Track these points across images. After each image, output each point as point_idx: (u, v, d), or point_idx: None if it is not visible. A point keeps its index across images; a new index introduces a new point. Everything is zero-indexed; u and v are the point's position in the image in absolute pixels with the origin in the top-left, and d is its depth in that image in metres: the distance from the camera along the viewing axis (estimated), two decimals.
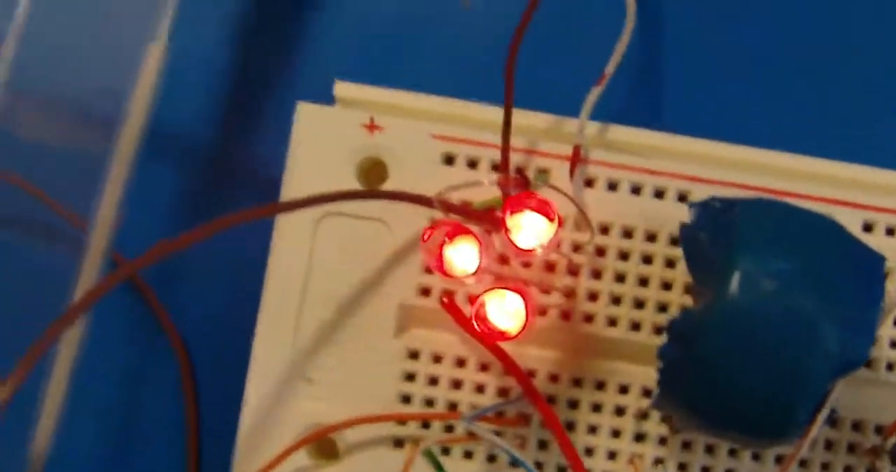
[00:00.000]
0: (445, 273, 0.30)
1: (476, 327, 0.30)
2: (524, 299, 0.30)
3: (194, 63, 0.35)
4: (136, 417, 0.34)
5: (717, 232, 0.28)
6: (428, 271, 0.32)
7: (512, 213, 0.30)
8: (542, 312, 0.32)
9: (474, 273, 0.30)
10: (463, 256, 0.30)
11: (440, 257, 0.30)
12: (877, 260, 0.28)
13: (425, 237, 0.30)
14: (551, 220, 0.30)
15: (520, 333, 0.30)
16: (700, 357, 0.27)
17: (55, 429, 0.31)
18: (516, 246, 0.30)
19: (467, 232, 0.30)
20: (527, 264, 0.32)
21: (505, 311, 0.30)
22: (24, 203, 0.33)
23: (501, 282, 0.31)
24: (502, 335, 0.30)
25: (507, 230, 0.29)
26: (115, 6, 0.31)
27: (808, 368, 0.27)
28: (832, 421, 0.29)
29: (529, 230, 0.30)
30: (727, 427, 0.28)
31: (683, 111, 0.35)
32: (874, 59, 0.35)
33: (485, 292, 0.30)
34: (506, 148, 0.31)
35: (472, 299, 0.31)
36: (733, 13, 0.35)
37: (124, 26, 0.31)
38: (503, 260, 0.31)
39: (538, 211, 0.30)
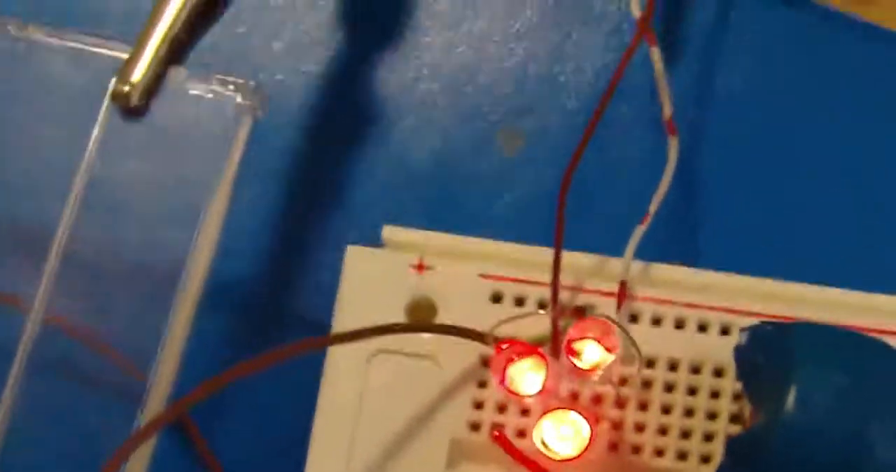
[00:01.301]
0: (508, 390, 0.31)
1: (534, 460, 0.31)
2: (585, 419, 0.30)
3: (247, 212, 0.36)
4: None
5: (772, 352, 0.29)
6: (478, 406, 0.33)
7: (576, 339, 0.31)
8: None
9: (538, 393, 0.31)
10: (527, 377, 0.31)
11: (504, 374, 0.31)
12: None
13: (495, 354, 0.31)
14: (609, 350, 0.31)
15: (582, 453, 0.30)
16: None
17: None
18: (576, 367, 0.31)
19: (535, 353, 0.30)
20: (575, 396, 0.32)
21: (565, 432, 0.31)
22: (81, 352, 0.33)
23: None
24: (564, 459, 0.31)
25: (569, 352, 0.31)
26: (179, 159, 0.32)
27: None
28: None
29: (589, 356, 0.31)
30: None
31: (722, 249, 0.36)
32: None
33: (546, 412, 0.31)
34: (556, 280, 0.32)
35: (521, 432, 0.32)
36: (767, 154, 0.37)
37: (188, 176, 0.32)
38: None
39: (598, 340, 0.31)
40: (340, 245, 0.34)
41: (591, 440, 0.31)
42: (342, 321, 0.33)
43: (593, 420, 0.31)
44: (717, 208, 0.36)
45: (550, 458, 0.31)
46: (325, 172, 0.37)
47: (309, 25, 0.38)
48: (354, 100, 0.37)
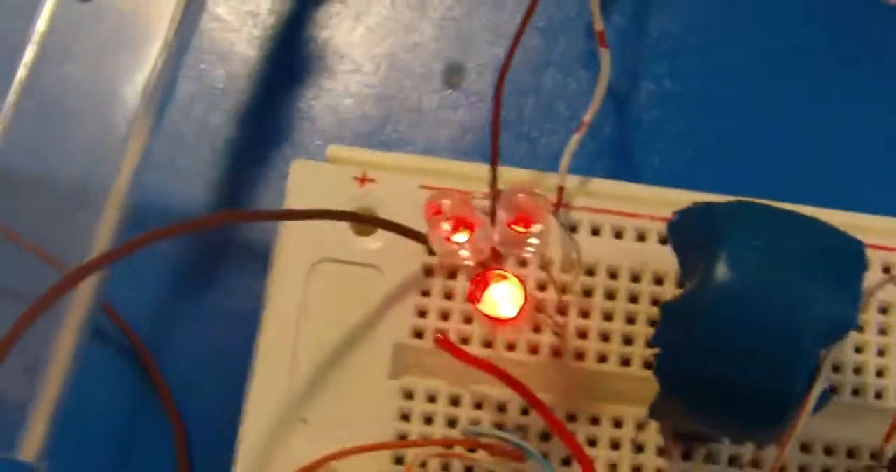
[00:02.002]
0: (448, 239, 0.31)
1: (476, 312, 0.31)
2: (520, 282, 0.31)
3: (192, 127, 0.37)
4: (128, 466, 0.34)
5: (703, 222, 0.29)
6: (421, 314, 0.33)
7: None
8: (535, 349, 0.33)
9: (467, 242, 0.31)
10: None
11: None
12: (857, 242, 0.29)
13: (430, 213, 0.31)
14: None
15: (519, 313, 0.30)
16: (694, 335, 0.28)
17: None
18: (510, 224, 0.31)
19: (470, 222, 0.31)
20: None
21: (501, 294, 0.31)
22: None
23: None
24: (502, 320, 0.31)
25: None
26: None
27: (797, 335, 0.28)
28: (828, 398, 0.29)
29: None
30: (726, 409, 0.28)
31: (660, 167, 0.37)
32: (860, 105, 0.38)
33: (481, 273, 0.31)
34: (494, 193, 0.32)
35: (464, 339, 0.32)
36: (704, 70, 0.38)
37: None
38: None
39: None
40: (285, 164, 0.34)
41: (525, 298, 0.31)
42: (287, 232, 0.33)
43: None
44: (656, 124, 0.37)
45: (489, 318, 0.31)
46: (272, 98, 0.37)
47: None
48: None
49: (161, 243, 0.33)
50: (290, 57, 0.37)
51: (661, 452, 0.32)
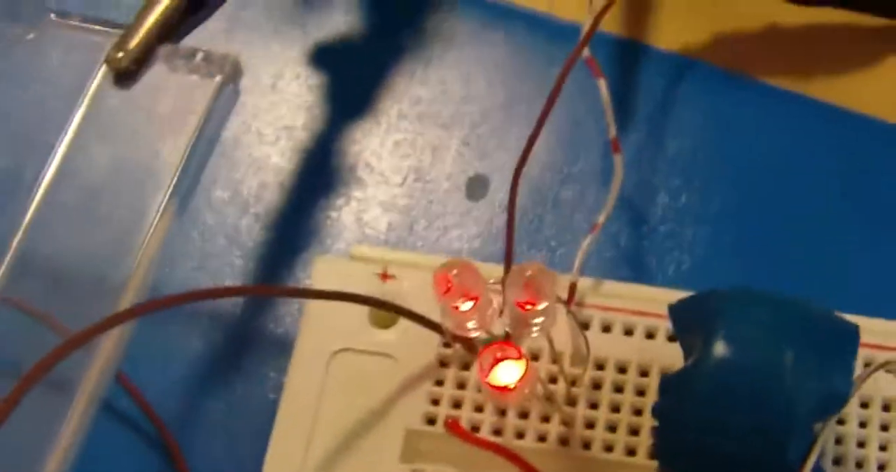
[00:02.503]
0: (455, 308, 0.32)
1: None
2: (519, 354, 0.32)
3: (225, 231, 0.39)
4: None
5: (702, 303, 0.31)
6: (434, 402, 0.34)
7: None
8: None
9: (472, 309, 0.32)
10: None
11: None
12: (851, 326, 0.30)
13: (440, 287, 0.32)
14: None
15: (520, 382, 0.31)
16: (691, 408, 0.29)
17: None
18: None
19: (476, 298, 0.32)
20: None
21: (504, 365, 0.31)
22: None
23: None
24: (504, 389, 0.31)
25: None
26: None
27: (792, 409, 0.29)
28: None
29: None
30: None
31: (672, 270, 0.38)
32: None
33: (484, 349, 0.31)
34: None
35: (476, 427, 0.33)
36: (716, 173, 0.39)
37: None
38: None
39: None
40: (310, 261, 0.36)
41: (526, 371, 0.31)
42: (309, 324, 0.35)
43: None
44: (670, 235, 0.39)
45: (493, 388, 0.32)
46: (302, 205, 0.39)
47: None
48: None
49: (189, 333, 0.35)
50: (321, 168, 0.39)
51: None
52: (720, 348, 0.29)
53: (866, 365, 0.34)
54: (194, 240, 0.38)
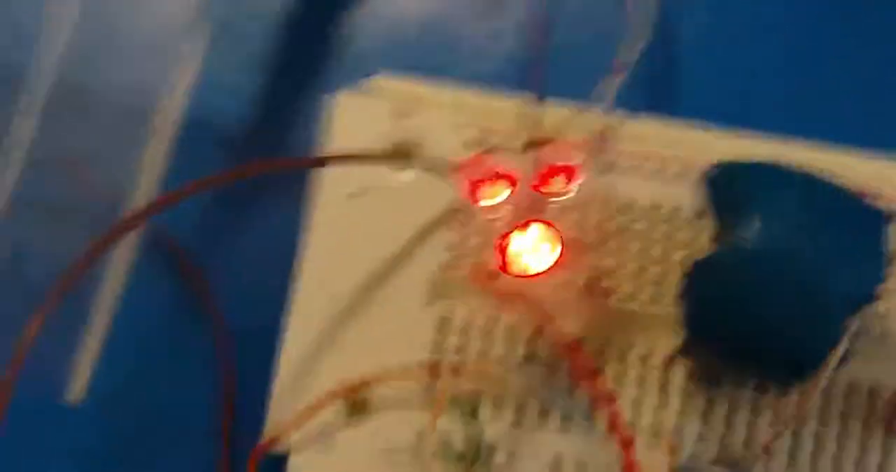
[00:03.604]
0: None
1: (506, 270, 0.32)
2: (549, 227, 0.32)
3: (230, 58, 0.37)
4: (171, 376, 0.35)
5: (740, 182, 0.30)
6: (456, 245, 0.33)
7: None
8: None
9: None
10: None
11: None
12: (881, 215, 0.30)
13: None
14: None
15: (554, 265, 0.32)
16: (724, 293, 0.29)
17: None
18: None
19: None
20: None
21: (531, 243, 0.32)
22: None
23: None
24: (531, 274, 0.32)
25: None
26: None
27: (824, 302, 0.29)
28: (846, 359, 0.30)
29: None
30: (752, 361, 0.30)
31: (698, 102, 0.37)
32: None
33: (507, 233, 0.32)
34: None
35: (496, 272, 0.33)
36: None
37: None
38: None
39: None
40: (328, 91, 0.35)
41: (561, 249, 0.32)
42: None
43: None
44: (696, 60, 0.37)
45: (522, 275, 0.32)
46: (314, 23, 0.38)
47: None
48: None
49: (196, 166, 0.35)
50: None
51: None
52: (754, 237, 0.29)
53: None
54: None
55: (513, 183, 0.32)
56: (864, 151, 0.34)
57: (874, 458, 0.32)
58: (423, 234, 0.34)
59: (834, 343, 0.29)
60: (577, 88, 0.34)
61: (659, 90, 0.36)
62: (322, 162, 0.32)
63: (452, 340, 0.33)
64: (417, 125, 0.34)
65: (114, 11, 0.36)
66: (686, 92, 0.37)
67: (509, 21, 0.37)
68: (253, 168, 0.30)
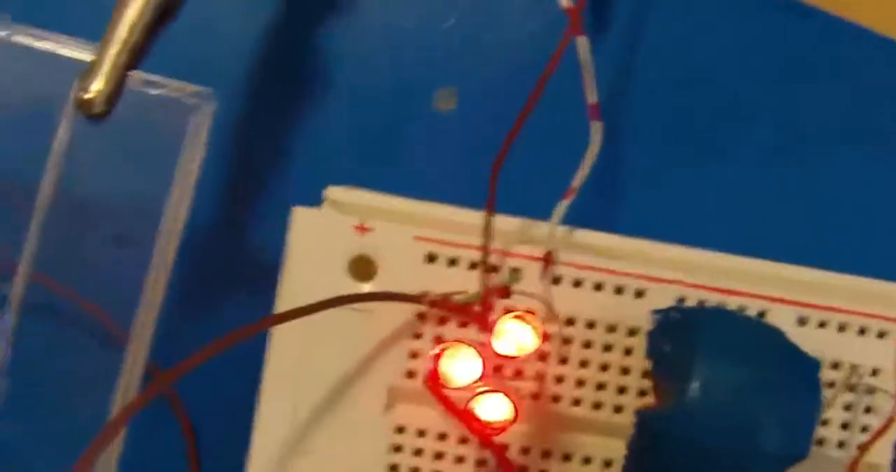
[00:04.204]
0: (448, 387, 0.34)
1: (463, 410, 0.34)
2: (509, 400, 0.34)
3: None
4: None
5: (677, 342, 0.33)
6: (413, 355, 0.36)
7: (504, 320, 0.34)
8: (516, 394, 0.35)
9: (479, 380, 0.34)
10: (461, 368, 0.34)
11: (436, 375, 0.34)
12: (813, 366, 0.33)
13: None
14: (537, 337, 0.34)
15: (508, 426, 0.34)
16: (662, 451, 0.32)
17: None
18: (496, 352, 0.34)
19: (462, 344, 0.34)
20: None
21: (494, 410, 0.34)
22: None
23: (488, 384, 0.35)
24: (493, 430, 0.34)
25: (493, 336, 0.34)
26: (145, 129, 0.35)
27: (754, 464, 0.32)
28: None
29: (514, 339, 0.34)
30: None
31: (642, 215, 0.39)
32: (825, 166, 0.40)
33: (472, 397, 0.34)
34: (486, 251, 0.35)
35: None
36: (687, 131, 0.39)
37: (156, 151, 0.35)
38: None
39: (530, 324, 0.34)
40: (288, 201, 0.36)
41: (514, 417, 0.34)
42: (289, 277, 0.36)
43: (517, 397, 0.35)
44: (639, 181, 0.39)
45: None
46: (269, 139, 0.39)
47: None
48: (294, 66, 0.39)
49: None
50: None
51: None
52: (694, 404, 0.31)
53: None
54: None
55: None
56: (799, 265, 0.36)
57: None
58: (381, 347, 0.36)
59: None
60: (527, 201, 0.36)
61: (604, 210, 0.38)
62: (299, 313, 0.34)
63: (409, 445, 0.36)
64: (376, 238, 0.36)
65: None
66: (631, 212, 0.39)
67: (463, 135, 0.39)
68: (245, 331, 0.32)
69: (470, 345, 0.34)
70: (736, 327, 0.33)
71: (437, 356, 0.34)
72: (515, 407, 0.34)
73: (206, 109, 0.32)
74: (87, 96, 0.30)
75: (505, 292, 0.34)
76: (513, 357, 0.34)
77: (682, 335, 0.32)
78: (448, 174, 0.39)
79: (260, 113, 0.39)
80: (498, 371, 0.36)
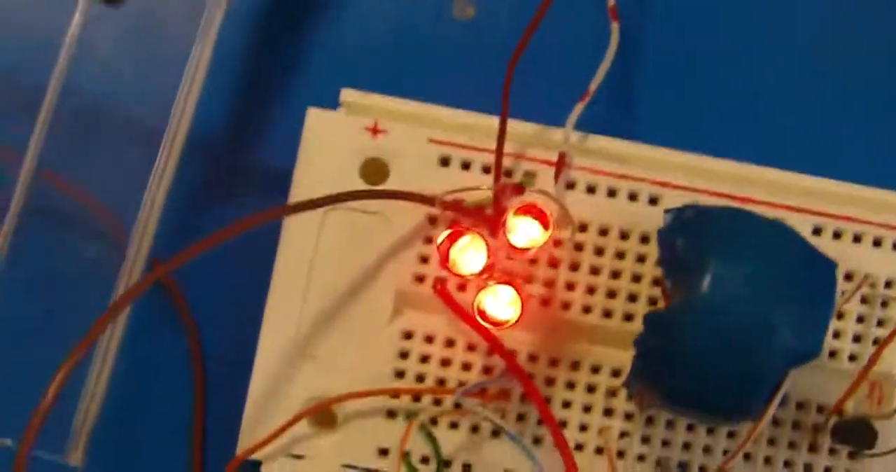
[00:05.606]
0: (453, 272, 0.34)
1: (478, 320, 0.34)
2: (517, 291, 0.34)
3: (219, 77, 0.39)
4: (146, 391, 0.38)
5: (690, 238, 0.32)
6: (423, 260, 0.35)
7: (514, 214, 0.34)
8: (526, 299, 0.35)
9: (482, 271, 0.34)
10: (469, 257, 0.34)
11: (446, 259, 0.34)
12: (830, 266, 0.32)
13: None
14: (546, 228, 0.34)
15: (517, 322, 0.34)
16: (673, 347, 0.31)
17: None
18: (512, 246, 0.34)
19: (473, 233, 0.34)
20: (511, 257, 0.35)
21: (501, 303, 0.34)
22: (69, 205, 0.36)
23: (496, 277, 0.34)
24: (501, 325, 0.34)
25: (504, 231, 0.34)
26: (158, 22, 0.35)
27: (766, 359, 0.31)
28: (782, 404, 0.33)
29: (524, 233, 0.34)
30: (694, 408, 0.32)
31: (657, 124, 0.39)
32: (840, 77, 0.39)
33: (480, 289, 0.34)
34: (499, 153, 0.34)
35: (462, 286, 0.35)
36: (704, 40, 0.39)
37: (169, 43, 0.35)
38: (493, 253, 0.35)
39: (536, 218, 0.34)
40: (304, 106, 0.36)
41: (521, 309, 0.34)
42: (301, 178, 0.36)
43: (523, 287, 0.35)
44: (655, 88, 0.39)
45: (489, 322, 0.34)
46: (288, 41, 0.39)
47: None
48: None
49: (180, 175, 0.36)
50: None
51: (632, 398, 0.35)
52: (706, 298, 0.31)
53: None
54: None
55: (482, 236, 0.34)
56: (815, 176, 0.36)
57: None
58: (392, 250, 0.36)
59: (774, 390, 0.31)
60: (543, 109, 0.36)
61: (621, 116, 0.38)
62: (307, 206, 0.33)
63: (416, 351, 0.35)
64: (389, 140, 0.36)
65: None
66: (646, 118, 0.39)
67: (481, 43, 0.39)
68: (254, 219, 0.32)
69: (479, 234, 0.34)
70: (751, 225, 0.32)
71: (447, 242, 0.34)
72: (523, 302, 0.34)
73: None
74: None
75: (519, 190, 0.34)
76: (524, 250, 0.34)
77: (696, 231, 0.32)
78: (465, 80, 0.39)
79: (278, 16, 0.39)
80: (508, 273, 0.35)
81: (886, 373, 0.35)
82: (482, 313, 0.34)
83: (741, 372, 0.31)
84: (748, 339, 0.31)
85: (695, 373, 0.31)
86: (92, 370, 0.34)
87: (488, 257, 0.34)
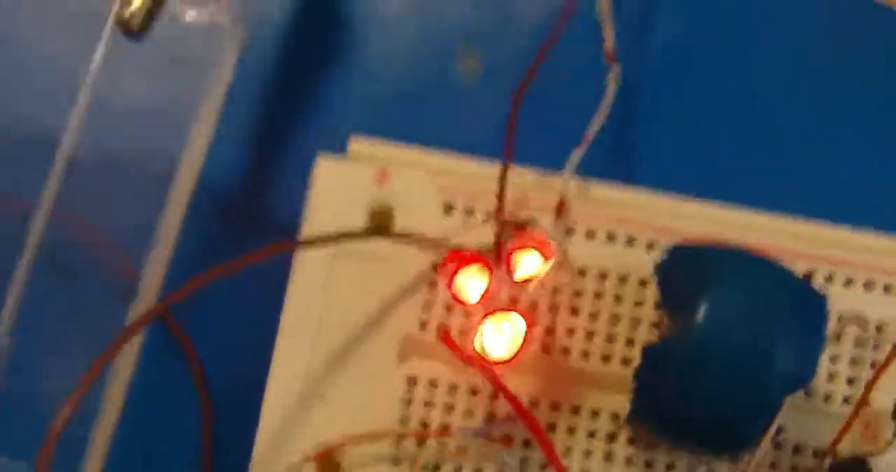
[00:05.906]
0: (454, 297, 0.35)
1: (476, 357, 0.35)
2: (523, 319, 0.35)
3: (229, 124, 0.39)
4: (153, 433, 0.38)
5: (686, 271, 0.33)
6: (428, 307, 0.36)
7: (516, 249, 0.35)
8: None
9: (481, 300, 0.35)
10: (472, 284, 0.35)
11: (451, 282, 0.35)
12: (821, 299, 0.33)
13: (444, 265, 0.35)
14: (547, 259, 0.35)
15: (517, 354, 0.35)
16: (670, 377, 0.32)
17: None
18: (513, 280, 0.35)
19: (481, 261, 0.35)
20: (514, 301, 0.36)
21: (503, 334, 0.35)
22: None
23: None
24: (499, 362, 0.35)
25: (508, 265, 0.35)
26: (172, 75, 0.36)
27: (764, 384, 0.32)
28: (778, 433, 0.34)
29: (527, 266, 0.35)
30: (691, 437, 0.33)
31: (655, 171, 0.40)
32: (840, 118, 0.41)
33: (486, 316, 0.35)
34: (502, 195, 0.36)
35: (465, 333, 0.36)
36: (700, 85, 0.41)
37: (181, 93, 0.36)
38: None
39: (538, 249, 0.35)
40: (311, 155, 0.37)
41: (526, 340, 0.35)
42: (310, 225, 0.36)
43: (530, 321, 0.35)
44: (653, 133, 0.40)
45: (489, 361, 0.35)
46: (299, 87, 0.40)
47: None
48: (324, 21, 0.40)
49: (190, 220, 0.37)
50: None
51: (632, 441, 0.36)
52: (703, 327, 0.32)
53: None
54: None
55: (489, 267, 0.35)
56: (820, 221, 0.37)
57: None
58: (398, 297, 0.36)
59: (771, 418, 0.32)
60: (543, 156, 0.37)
61: (620, 160, 0.39)
62: (315, 242, 0.34)
63: (420, 397, 0.36)
64: (396, 187, 0.37)
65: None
66: (645, 162, 0.40)
67: (483, 91, 0.40)
68: (258, 254, 0.32)
69: (485, 264, 0.35)
70: (744, 259, 0.33)
71: (453, 272, 0.35)
72: (527, 328, 0.35)
73: (238, 33, 0.33)
74: (126, 13, 0.31)
75: (521, 227, 0.35)
76: (525, 281, 0.35)
77: (693, 265, 0.33)
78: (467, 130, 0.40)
79: (288, 62, 0.40)
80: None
81: (878, 411, 0.36)
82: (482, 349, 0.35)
83: (739, 395, 0.32)
84: (745, 362, 0.32)
85: (692, 399, 0.32)
86: (98, 416, 0.35)
87: (489, 285, 0.35)
